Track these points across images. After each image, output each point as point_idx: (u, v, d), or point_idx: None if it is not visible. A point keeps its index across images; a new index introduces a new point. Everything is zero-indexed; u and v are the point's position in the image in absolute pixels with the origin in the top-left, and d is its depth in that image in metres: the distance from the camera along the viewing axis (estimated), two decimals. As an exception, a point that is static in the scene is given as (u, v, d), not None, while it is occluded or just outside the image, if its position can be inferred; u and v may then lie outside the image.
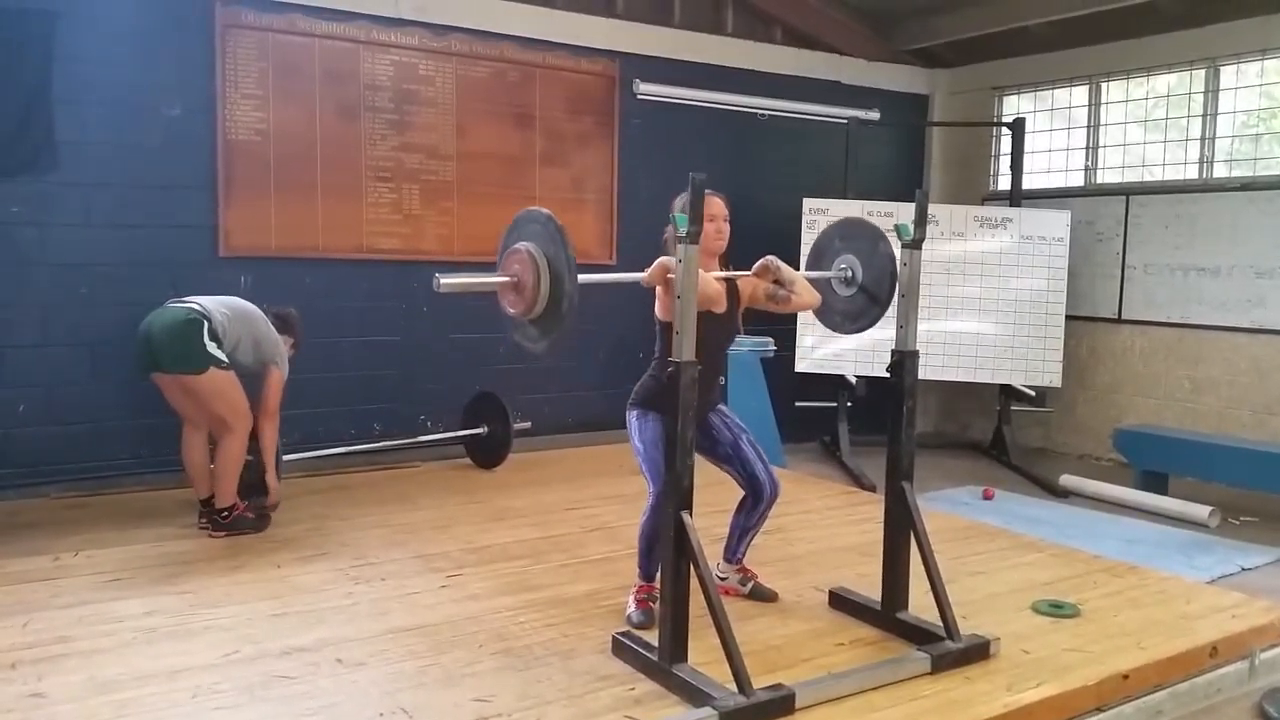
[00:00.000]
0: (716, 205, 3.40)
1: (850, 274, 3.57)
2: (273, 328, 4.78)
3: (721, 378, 3.62)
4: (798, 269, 3.62)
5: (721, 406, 3.65)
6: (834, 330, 3.77)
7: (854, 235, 3.62)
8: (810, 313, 3.68)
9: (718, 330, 3.39)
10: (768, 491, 3.58)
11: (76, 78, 5.13)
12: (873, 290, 3.53)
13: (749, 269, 3.48)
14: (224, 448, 4.50)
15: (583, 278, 2.72)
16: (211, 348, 4.41)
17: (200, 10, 5.47)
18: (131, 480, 5.32)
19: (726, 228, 3.45)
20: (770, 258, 3.46)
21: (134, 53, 5.30)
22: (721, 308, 3.40)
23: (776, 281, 3.43)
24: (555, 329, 2.76)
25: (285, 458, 5.00)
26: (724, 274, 3.44)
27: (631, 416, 3.47)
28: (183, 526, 4.60)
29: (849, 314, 3.64)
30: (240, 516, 4.54)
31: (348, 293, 6.00)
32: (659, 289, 3.22)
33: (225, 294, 5.32)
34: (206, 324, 4.44)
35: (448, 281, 2.80)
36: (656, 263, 3.10)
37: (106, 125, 5.25)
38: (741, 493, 3.65)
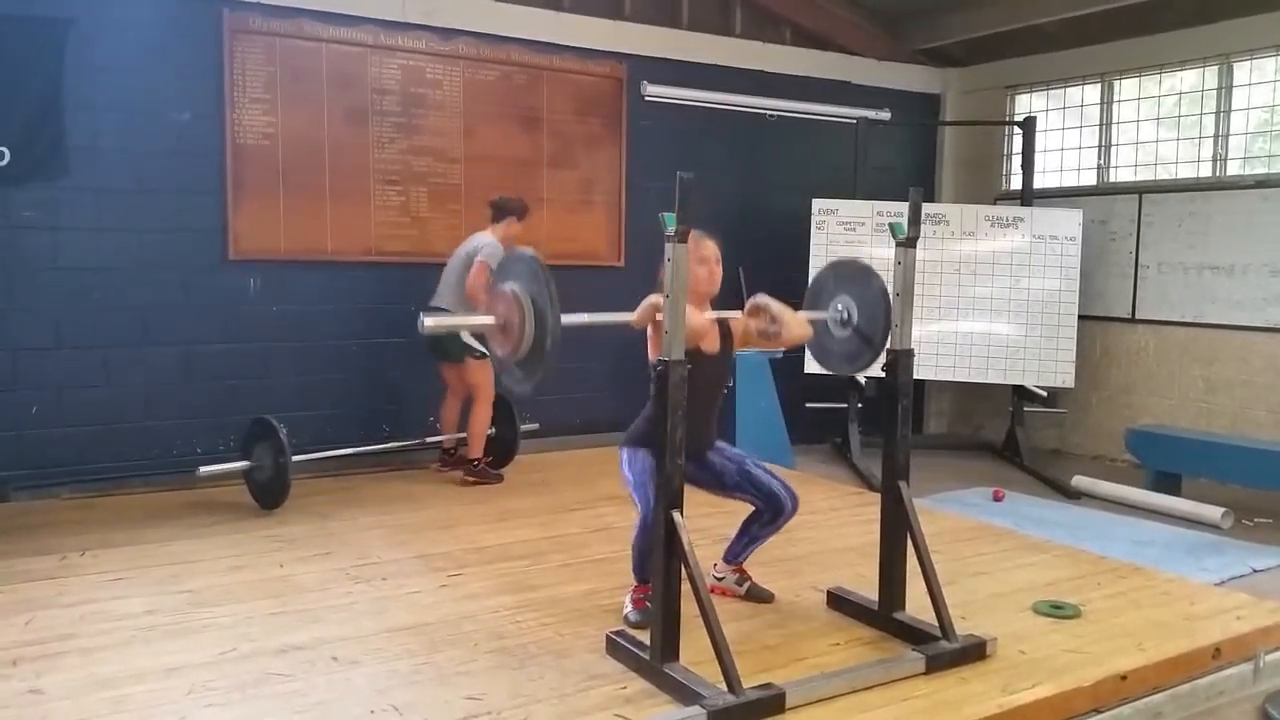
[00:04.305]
0: (709, 248, 3.37)
1: (846, 315, 3.52)
2: (471, 251, 5.49)
3: (715, 419, 3.58)
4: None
5: (719, 444, 3.61)
6: (834, 372, 3.74)
7: (848, 275, 3.58)
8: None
9: (710, 372, 3.37)
10: (788, 507, 3.57)
11: (87, 84, 5.20)
12: (866, 331, 3.47)
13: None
14: (475, 413, 5.64)
15: (566, 319, 2.73)
16: (466, 338, 5.42)
17: (208, 16, 5.53)
18: (140, 481, 5.38)
19: (719, 270, 3.41)
20: (760, 295, 3.45)
21: (144, 59, 5.36)
22: (714, 348, 3.40)
23: (770, 317, 3.39)
24: (539, 369, 2.76)
25: (295, 458, 5.00)
26: (715, 314, 3.42)
27: (623, 453, 3.47)
28: (190, 527, 4.65)
29: (846, 355, 3.59)
30: (485, 469, 5.66)
31: (356, 295, 6.04)
32: (649, 329, 3.15)
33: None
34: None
35: (431, 323, 2.87)
36: (645, 302, 3.07)
37: (117, 130, 5.32)
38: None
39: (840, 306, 3.54)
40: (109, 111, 5.29)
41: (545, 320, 2.71)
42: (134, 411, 5.45)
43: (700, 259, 3.31)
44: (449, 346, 5.54)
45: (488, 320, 2.89)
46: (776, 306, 3.40)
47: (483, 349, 5.45)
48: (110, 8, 5.25)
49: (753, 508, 3.63)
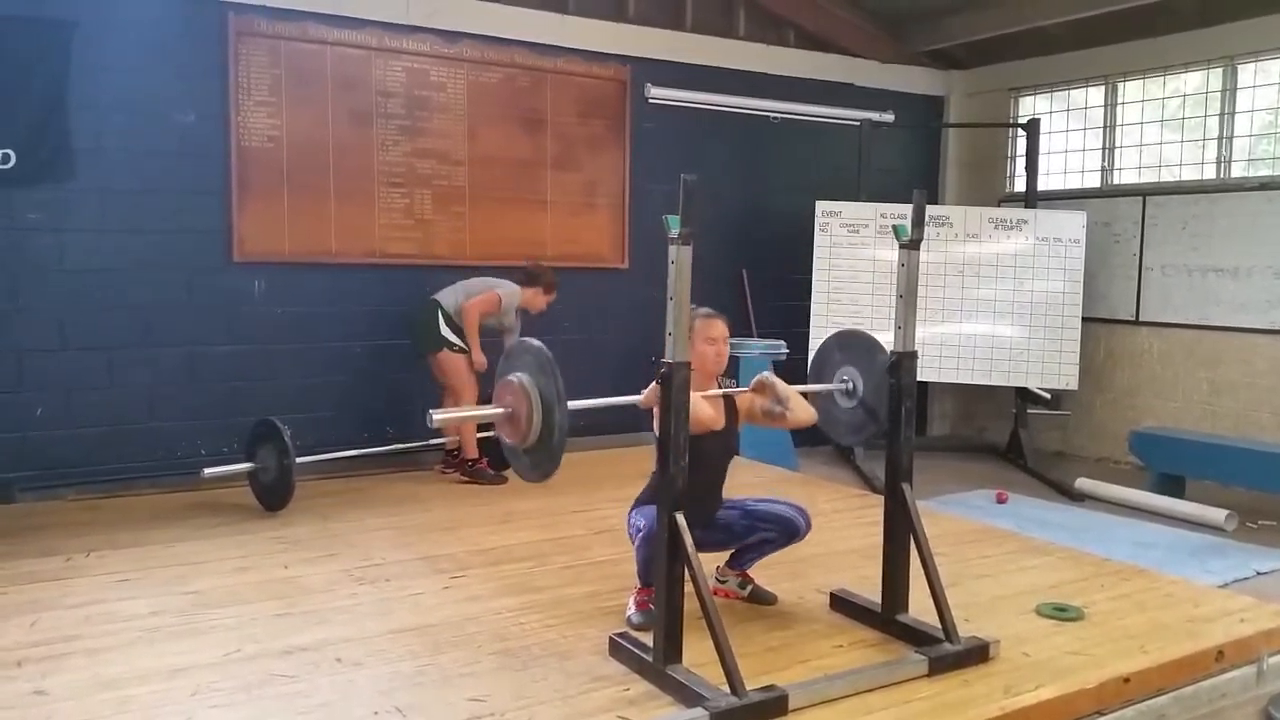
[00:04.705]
0: (718, 328, 3.39)
1: (851, 386, 3.54)
2: (488, 284, 5.65)
3: (721, 490, 3.61)
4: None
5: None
6: (840, 441, 3.75)
7: (852, 346, 3.60)
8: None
9: (716, 447, 3.40)
10: (802, 526, 3.60)
11: (92, 86, 5.22)
12: (870, 402, 3.48)
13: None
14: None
15: (574, 404, 2.74)
16: (445, 332, 5.51)
17: (214, 18, 5.55)
18: (145, 483, 5.39)
19: (726, 350, 3.42)
20: (766, 374, 3.47)
21: (149, 61, 5.38)
22: (720, 425, 3.42)
23: (775, 398, 3.40)
24: (546, 460, 2.80)
25: (299, 460, 5.01)
26: (720, 391, 3.44)
27: (631, 515, 3.50)
28: (195, 528, 4.66)
29: (852, 425, 3.61)
30: (482, 469, 5.63)
31: (360, 297, 6.05)
32: (656, 410, 3.11)
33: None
34: (440, 310, 5.53)
35: (441, 417, 2.89)
36: (653, 386, 3.06)
37: (122, 132, 5.33)
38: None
39: (845, 378, 3.56)
40: (114, 113, 5.30)
41: (553, 412, 2.74)
42: (138, 413, 5.46)
43: (708, 339, 3.33)
44: (424, 335, 5.57)
45: (496, 411, 2.91)
46: (782, 388, 3.40)
47: (461, 344, 5.56)
48: (115, 9, 5.26)
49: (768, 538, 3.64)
